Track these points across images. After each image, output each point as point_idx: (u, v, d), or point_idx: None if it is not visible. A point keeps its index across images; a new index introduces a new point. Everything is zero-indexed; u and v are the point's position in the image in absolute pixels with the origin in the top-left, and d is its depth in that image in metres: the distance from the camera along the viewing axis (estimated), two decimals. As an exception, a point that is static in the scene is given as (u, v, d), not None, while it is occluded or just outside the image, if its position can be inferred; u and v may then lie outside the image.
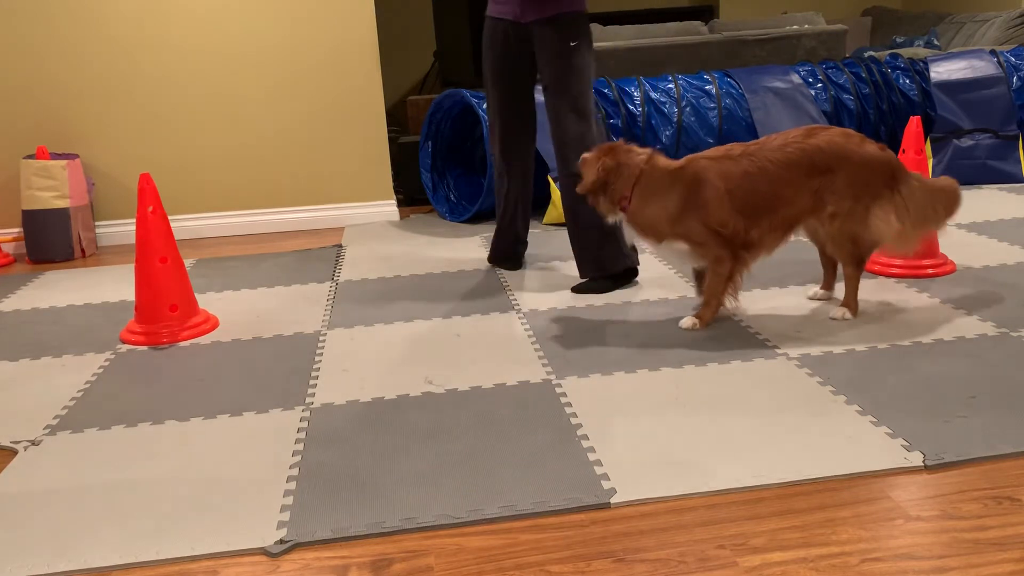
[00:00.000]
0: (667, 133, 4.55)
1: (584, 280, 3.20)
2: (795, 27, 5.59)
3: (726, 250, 2.63)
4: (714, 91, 4.63)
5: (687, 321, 2.71)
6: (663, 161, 2.69)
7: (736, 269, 2.66)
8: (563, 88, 3.11)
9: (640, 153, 2.70)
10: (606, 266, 3.16)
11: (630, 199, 2.66)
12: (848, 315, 2.69)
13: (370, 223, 4.60)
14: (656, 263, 3.44)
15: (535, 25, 3.14)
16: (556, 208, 4.16)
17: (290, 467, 1.96)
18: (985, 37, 6.64)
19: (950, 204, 2.67)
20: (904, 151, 3.07)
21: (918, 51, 6.03)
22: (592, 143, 3.00)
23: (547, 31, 3.12)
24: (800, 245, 3.57)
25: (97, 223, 4.47)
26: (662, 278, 3.24)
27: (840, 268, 2.76)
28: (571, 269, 3.43)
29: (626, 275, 3.20)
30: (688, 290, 3.08)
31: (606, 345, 2.59)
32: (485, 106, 3.49)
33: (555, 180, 4.14)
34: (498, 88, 3.29)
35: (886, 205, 2.57)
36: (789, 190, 2.58)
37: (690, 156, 2.69)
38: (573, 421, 2.10)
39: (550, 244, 3.85)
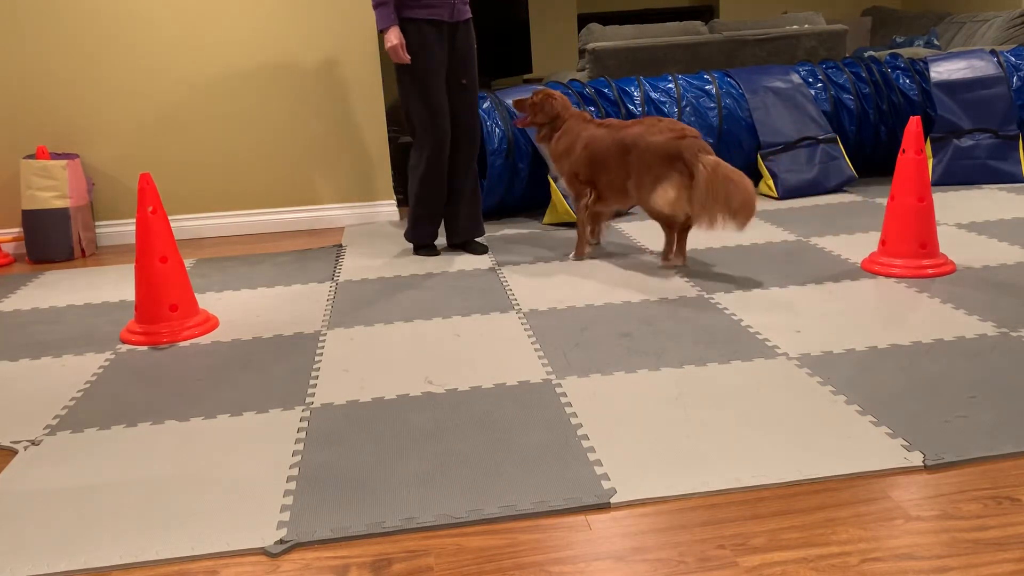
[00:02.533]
0: (667, 133, 4.55)
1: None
2: (795, 27, 5.60)
3: (584, 188, 3.48)
4: (714, 91, 4.64)
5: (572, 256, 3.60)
6: (584, 116, 3.57)
7: (592, 204, 3.50)
8: (476, 83, 3.67)
9: (568, 107, 3.59)
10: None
11: (550, 136, 3.58)
12: (678, 263, 3.40)
13: (370, 223, 4.60)
14: (659, 265, 3.44)
15: (462, 24, 3.55)
16: (556, 208, 4.16)
17: (290, 467, 1.96)
18: (985, 37, 6.64)
19: (738, 201, 3.01)
20: (904, 151, 3.07)
21: (918, 51, 6.03)
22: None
23: (469, 30, 3.59)
24: (800, 246, 3.57)
25: (97, 223, 4.48)
26: (662, 278, 3.25)
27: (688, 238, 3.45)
28: (571, 269, 3.43)
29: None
30: (688, 289, 3.08)
31: (606, 345, 2.60)
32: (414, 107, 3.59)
33: (555, 180, 4.14)
34: (438, 84, 3.53)
35: (667, 182, 3.19)
36: (612, 162, 3.36)
37: (590, 119, 3.55)
38: (573, 421, 2.10)
39: (550, 244, 3.85)
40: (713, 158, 3.09)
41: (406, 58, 3.45)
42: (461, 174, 3.73)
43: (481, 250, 3.80)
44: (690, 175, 3.09)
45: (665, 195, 3.19)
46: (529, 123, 3.63)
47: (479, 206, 3.83)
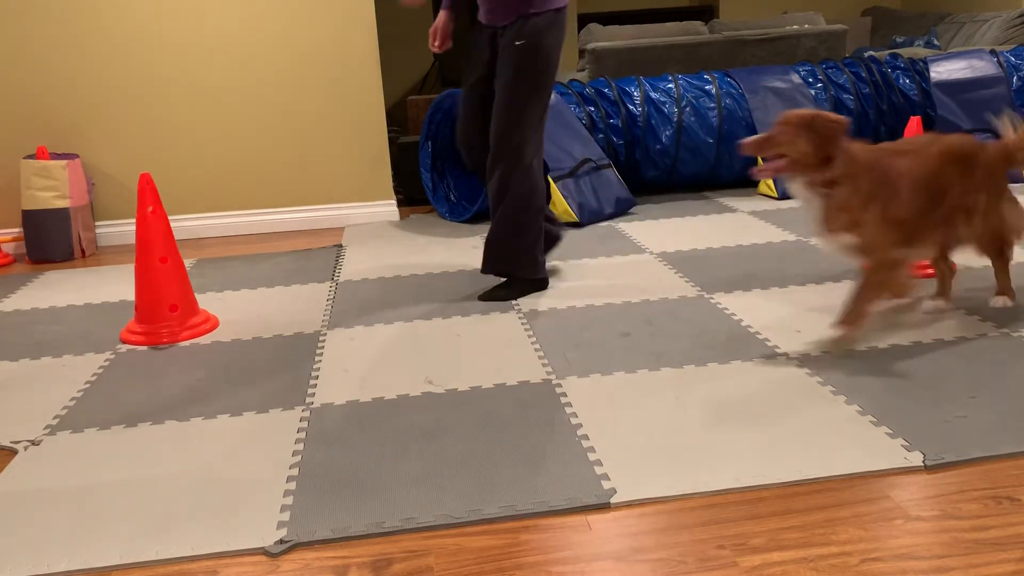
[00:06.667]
0: (667, 133, 4.56)
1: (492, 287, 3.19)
2: (795, 27, 5.60)
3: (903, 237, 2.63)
4: (714, 91, 4.64)
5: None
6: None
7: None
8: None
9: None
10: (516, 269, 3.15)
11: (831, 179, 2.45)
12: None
13: (370, 223, 4.60)
14: (659, 265, 3.44)
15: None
16: (555, 208, 4.16)
17: (290, 467, 1.96)
18: (985, 37, 6.64)
19: None
20: (904, 151, 3.06)
21: (918, 51, 6.03)
22: None
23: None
24: (800, 246, 3.57)
25: (97, 223, 4.47)
26: (663, 278, 3.24)
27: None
28: (570, 269, 3.43)
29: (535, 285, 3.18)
30: (687, 290, 3.08)
31: (606, 345, 2.59)
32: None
33: (555, 180, 4.14)
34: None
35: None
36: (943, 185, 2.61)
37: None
38: (573, 421, 2.10)
39: (550, 244, 3.85)
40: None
41: (434, 47, 3.17)
42: None
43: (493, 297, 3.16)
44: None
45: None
46: (794, 165, 2.37)
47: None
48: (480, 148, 3.12)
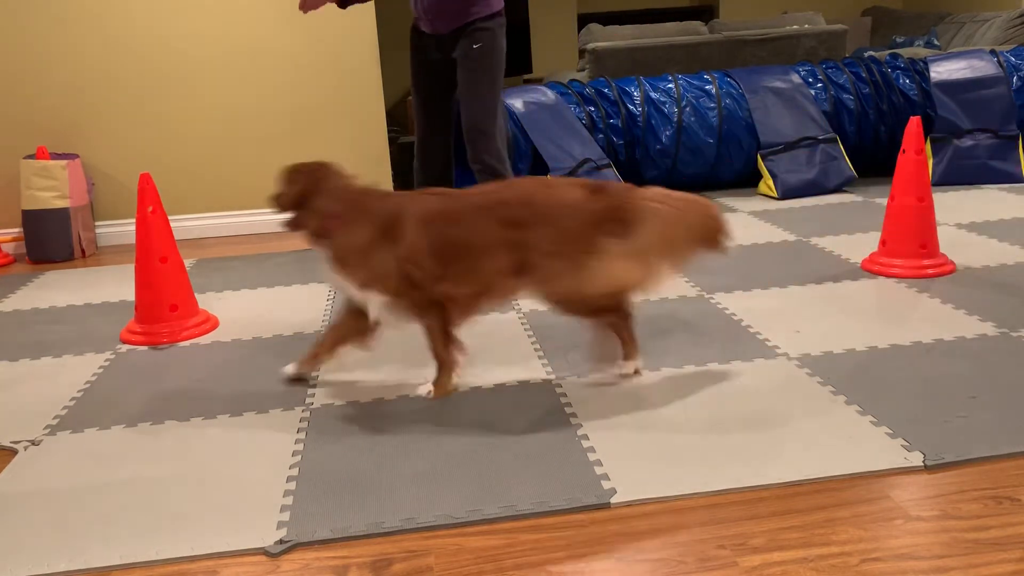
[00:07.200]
0: (667, 133, 4.56)
1: None
2: (795, 27, 5.60)
3: (430, 296, 2.29)
4: (714, 91, 4.63)
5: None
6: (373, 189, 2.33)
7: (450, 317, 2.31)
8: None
9: (330, 175, 2.32)
10: None
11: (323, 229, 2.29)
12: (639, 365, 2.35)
13: (370, 223, 4.59)
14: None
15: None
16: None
17: (290, 467, 1.96)
18: (985, 37, 6.64)
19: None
20: (904, 151, 3.07)
21: (918, 51, 6.03)
22: None
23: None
24: (800, 246, 3.57)
25: (97, 223, 4.47)
26: (662, 278, 3.24)
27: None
28: (571, 269, 3.43)
29: None
30: (687, 290, 3.08)
31: (606, 345, 2.59)
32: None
33: (555, 180, 4.14)
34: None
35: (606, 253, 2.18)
36: (487, 242, 2.22)
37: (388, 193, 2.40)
38: (573, 421, 2.10)
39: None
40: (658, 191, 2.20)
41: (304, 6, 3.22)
42: None
43: None
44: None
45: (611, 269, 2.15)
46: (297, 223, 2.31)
47: None
48: (441, 163, 3.49)
